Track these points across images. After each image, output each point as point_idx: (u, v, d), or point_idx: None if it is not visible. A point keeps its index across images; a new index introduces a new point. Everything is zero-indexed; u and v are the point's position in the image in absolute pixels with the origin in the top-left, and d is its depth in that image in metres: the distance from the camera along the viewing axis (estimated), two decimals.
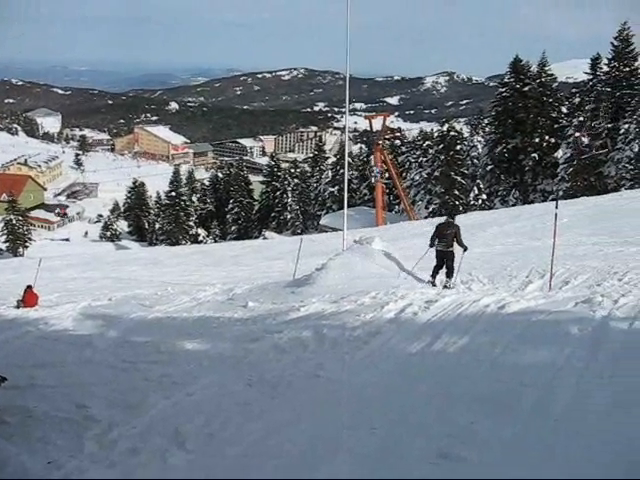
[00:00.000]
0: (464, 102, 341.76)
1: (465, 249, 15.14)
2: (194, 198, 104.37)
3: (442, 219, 16.75)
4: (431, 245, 15.32)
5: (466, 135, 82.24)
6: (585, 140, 58.00)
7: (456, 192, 66.69)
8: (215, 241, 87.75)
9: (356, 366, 8.72)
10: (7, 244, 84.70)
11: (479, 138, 79.09)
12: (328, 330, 10.47)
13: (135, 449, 6.31)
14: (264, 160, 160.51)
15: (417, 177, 73.20)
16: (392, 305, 11.78)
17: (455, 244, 15.07)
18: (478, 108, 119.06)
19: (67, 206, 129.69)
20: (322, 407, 7.26)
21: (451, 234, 15.02)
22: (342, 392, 7.72)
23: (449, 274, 14.89)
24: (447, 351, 8.96)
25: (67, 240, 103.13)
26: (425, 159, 72.69)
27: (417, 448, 5.86)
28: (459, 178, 67.50)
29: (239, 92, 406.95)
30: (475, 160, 73.86)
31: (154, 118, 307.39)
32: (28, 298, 17.29)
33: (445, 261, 14.96)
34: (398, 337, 9.89)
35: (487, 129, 77.05)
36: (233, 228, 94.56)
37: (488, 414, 6.50)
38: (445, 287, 14.42)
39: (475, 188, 65.51)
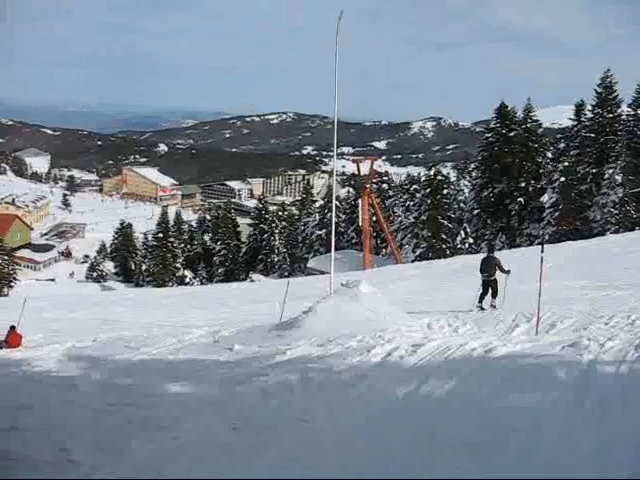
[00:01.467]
0: (451, 147, 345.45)
1: (508, 272, 18.85)
2: (181, 240, 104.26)
3: (483, 254, 20.99)
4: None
5: (453, 179, 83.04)
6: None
7: (443, 236, 66.94)
8: (202, 283, 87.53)
9: (342, 410, 8.66)
10: None
11: (466, 182, 79.82)
12: (315, 374, 10.42)
13: None
14: (252, 202, 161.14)
15: (404, 220, 73.58)
16: (379, 349, 11.74)
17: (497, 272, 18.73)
18: (464, 153, 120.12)
19: (66, 248, 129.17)
20: (308, 452, 7.18)
21: (493, 266, 18.73)
22: (328, 437, 7.66)
23: (494, 295, 18.61)
24: (433, 395, 8.93)
25: (53, 280, 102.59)
26: (412, 203, 73.14)
27: None
28: (446, 222, 67.83)
29: (228, 135, 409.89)
30: (462, 204, 74.38)
31: (143, 160, 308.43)
32: (12, 338, 17.12)
33: (490, 287, 18.64)
34: (384, 381, 9.84)
35: (473, 173, 77.61)
36: (220, 270, 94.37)
37: (474, 459, 6.46)
38: (492, 306, 18.36)
39: (462, 232, 65.86)
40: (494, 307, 18.32)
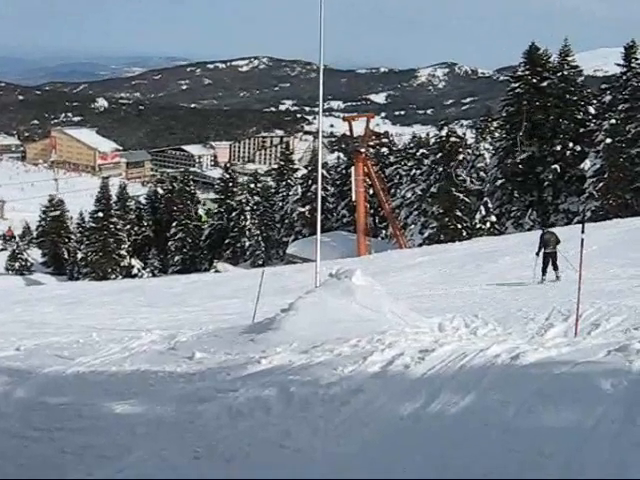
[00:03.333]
0: (467, 100, 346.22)
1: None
2: (127, 220, 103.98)
3: (540, 231, 27.39)
4: (537, 254, 25.14)
5: (470, 141, 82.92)
6: None
7: (458, 213, 66.91)
8: (154, 275, 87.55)
9: (332, 433, 8.69)
10: None
11: (487, 145, 79.43)
12: (297, 388, 10.44)
13: None
14: (216, 172, 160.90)
15: (409, 194, 73.56)
16: (377, 356, 11.76)
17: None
18: (485, 108, 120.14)
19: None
20: None
21: (554, 239, 25.07)
22: (314, 467, 7.69)
23: (555, 268, 24.67)
24: (447, 414, 8.96)
25: None
26: (419, 172, 73.17)
27: None
28: (462, 196, 67.76)
29: (185, 87, 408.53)
30: (482, 173, 74.28)
31: (77, 119, 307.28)
32: None
33: (552, 261, 24.74)
34: (385, 396, 9.87)
35: (496, 134, 77.33)
36: (176, 259, 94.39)
37: None
38: (557, 278, 24.47)
39: (482, 208, 65.77)
40: (558, 278, 24.36)
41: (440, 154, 68.76)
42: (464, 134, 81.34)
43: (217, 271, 75.02)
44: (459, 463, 7.35)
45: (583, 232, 15.27)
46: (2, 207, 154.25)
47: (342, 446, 8.26)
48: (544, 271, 24.70)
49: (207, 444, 8.62)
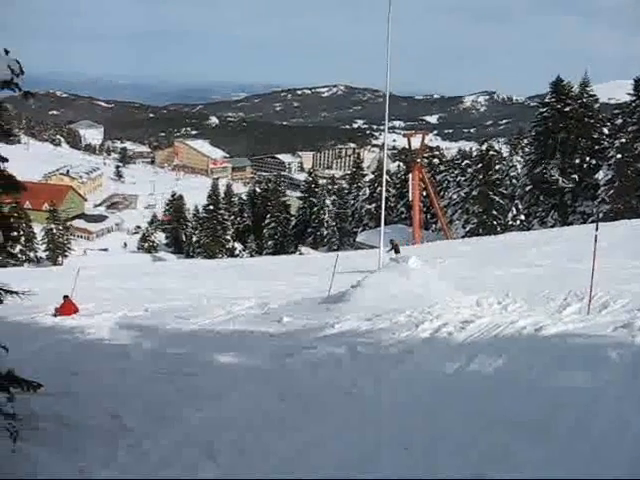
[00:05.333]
0: (504, 122, 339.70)
1: None
2: (231, 212, 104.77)
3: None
4: None
5: (505, 155, 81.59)
6: None
7: (494, 212, 66.06)
8: (251, 255, 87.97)
9: (390, 385, 8.67)
10: (47, 253, 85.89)
11: (518, 158, 78.13)
12: (362, 347, 10.43)
13: (167, 461, 6.34)
14: (302, 176, 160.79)
15: (455, 196, 72.74)
16: (427, 324, 11.69)
17: None
18: (518, 128, 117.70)
19: (107, 217, 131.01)
20: (354, 425, 7.21)
21: None
22: (375, 411, 7.68)
23: None
24: (482, 373, 8.87)
25: (106, 250, 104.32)
26: (463, 178, 72.22)
27: (452, 469, 5.81)
28: (497, 198, 66.85)
29: (279, 108, 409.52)
30: (514, 180, 73.07)
31: (194, 132, 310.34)
32: (65, 307, 17.48)
33: None
34: (433, 357, 9.81)
35: (527, 149, 76.00)
36: (269, 243, 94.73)
37: (524, 437, 6.41)
38: None
39: (513, 208, 64.80)
40: None
41: (480, 164, 67.90)
42: (500, 149, 79.83)
43: (301, 254, 75.06)
44: (493, 413, 7.27)
45: (597, 230, 14.92)
46: (136, 200, 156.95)
47: (398, 395, 8.23)
48: None
49: (291, 389, 8.67)
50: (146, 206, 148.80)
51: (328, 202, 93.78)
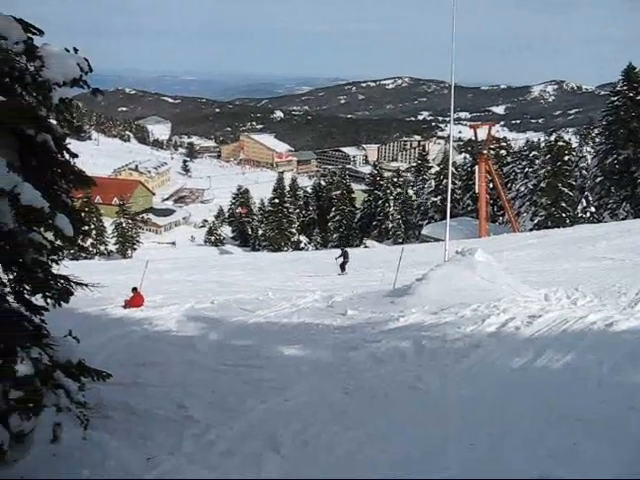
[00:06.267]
0: (573, 111, 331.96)
1: None
2: (297, 205, 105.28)
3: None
4: None
5: (575, 145, 79.82)
6: None
7: (563, 204, 64.75)
8: (316, 248, 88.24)
9: (455, 379, 8.58)
10: (117, 246, 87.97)
11: (588, 149, 76.36)
12: (427, 341, 10.35)
13: (231, 451, 6.41)
14: (367, 169, 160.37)
15: (522, 188, 71.57)
16: (494, 319, 11.52)
17: None
18: (588, 118, 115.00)
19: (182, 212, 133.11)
20: (419, 420, 7.16)
21: None
22: (440, 405, 7.60)
23: None
24: (550, 368, 8.69)
25: (173, 244, 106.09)
26: (531, 170, 70.99)
27: (517, 467, 5.70)
28: (566, 190, 65.49)
29: (343, 101, 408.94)
30: (584, 171, 71.45)
31: (259, 126, 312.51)
32: (134, 299, 17.84)
33: None
34: (499, 351, 9.66)
35: (597, 139, 74.25)
36: (334, 236, 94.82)
37: (592, 436, 6.25)
38: None
39: (583, 200, 63.41)
40: None
41: (549, 155, 66.67)
42: (569, 139, 78.03)
43: (366, 247, 74.97)
44: (561, 409, 7.12)
45: None
46: (203, 193, 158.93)
47: (464, 390, 8.14)
48: None
49: (355, 383, 8.67)
50: (211, 199, 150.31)
51: (393, 195, 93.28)
